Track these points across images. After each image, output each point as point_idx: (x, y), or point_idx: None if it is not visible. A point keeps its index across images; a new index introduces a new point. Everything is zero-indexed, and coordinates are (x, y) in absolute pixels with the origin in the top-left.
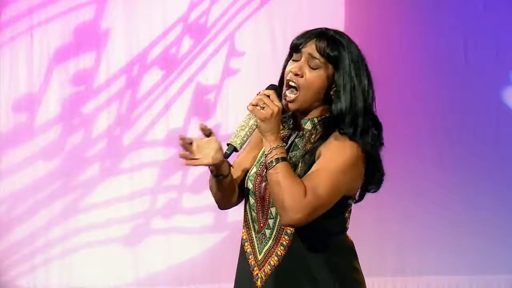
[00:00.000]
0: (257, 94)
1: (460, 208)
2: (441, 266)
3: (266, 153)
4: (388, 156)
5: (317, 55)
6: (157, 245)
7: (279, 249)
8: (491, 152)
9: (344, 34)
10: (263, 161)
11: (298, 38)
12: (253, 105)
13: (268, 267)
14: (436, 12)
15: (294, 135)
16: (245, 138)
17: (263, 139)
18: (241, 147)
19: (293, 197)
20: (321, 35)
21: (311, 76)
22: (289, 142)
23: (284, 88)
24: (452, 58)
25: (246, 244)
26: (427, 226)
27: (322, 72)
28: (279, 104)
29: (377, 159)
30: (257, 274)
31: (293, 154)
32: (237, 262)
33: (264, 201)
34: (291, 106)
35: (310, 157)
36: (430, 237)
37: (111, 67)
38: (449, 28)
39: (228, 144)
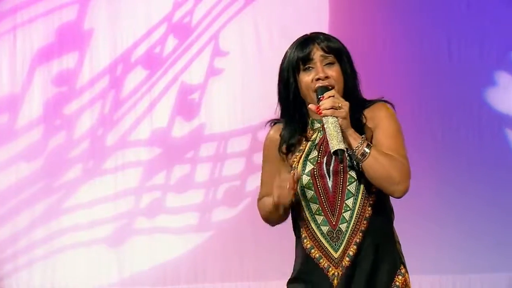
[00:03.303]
0: (321, 98)
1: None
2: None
3: (356, 146)
4: None
5: (326, 54)
6: (141, 245)
7: (358, 237)
8: (475, 152)
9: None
10: (319, 162)
11: (298, 51)
12: (329, 109)
13: (347, 258)
14: (420, 11)
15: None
16: (341, 138)
17: (346, 135)
18: (345, 147)
19: (398, 169)
20: (316, 38)
21: (333, 72)
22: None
23: (315, 96)
24: (436, 57)
25: (313, 251)
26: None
27: (337, 66)
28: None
29: None
30: (333, 274)
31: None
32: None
33: (334, 198)
34: None
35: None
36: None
37: (94, 67)
38: (433, 27)
39: (334, 153)
